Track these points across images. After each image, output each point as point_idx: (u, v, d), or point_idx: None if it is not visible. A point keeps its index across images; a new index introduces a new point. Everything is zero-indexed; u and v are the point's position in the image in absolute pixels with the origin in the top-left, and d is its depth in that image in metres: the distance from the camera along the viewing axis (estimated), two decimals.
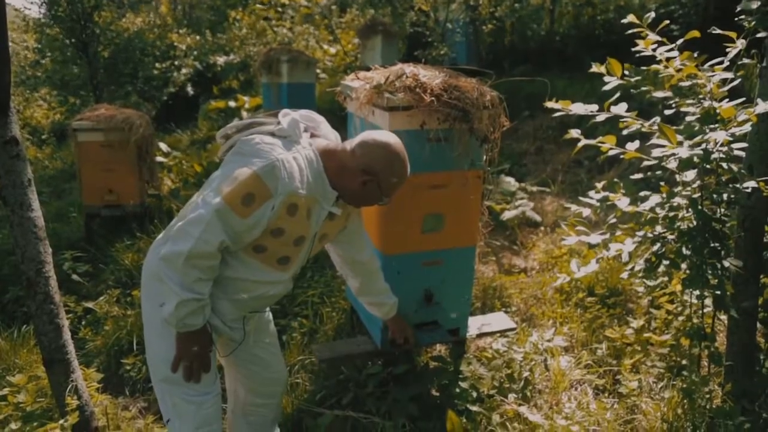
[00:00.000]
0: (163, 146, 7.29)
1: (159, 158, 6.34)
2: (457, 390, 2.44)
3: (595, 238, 2.26)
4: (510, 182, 5.32)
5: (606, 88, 2.24)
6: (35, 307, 2.17)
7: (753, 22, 2.11)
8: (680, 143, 2.06)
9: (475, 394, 2.45)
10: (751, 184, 1.98)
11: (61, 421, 2.11)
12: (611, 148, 2.24)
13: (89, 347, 3.27)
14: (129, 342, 3.20)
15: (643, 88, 2.25)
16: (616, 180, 2.36)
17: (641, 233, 2.29)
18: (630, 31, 2.29)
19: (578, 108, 2.25)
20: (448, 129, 2.27)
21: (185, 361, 1.73)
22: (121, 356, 3.13)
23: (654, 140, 2.13)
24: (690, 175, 2.23)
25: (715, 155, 2.07)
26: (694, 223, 2.16)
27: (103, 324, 3.43)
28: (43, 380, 2.55)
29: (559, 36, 9.57)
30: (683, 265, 2.23)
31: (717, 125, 2.06)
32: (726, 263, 2.12)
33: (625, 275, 2.43)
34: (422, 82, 2.25)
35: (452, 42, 8.58)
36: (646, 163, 2.30)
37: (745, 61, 2.23)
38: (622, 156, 2.24)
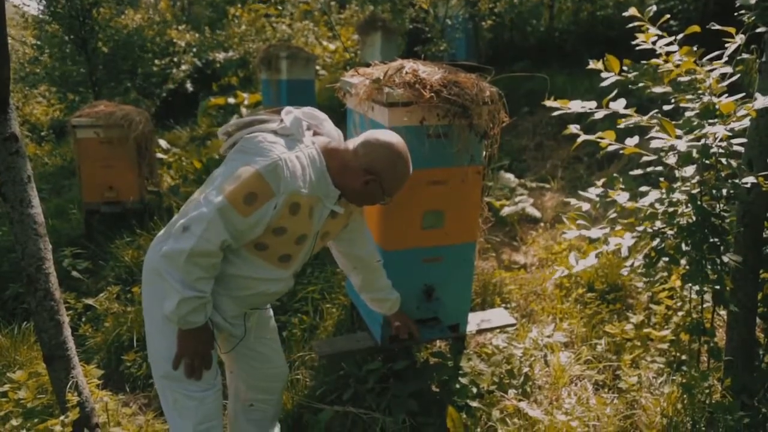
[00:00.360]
0: (162, 143, 7.29)
1: (158, 155, 6.34)
2: (457, 386, 2.45)
3: (595, 232, 2.27)
4: (509, 178, 5.32)
5: (604, 84, 2.25)
6: (35, 303, 2.17)
7: (752, 18, 2.10)
8: (679, 137, 2.06)
9: (475, 390, 2.46)
10: (750, 179, 1.98)
11: (61, 418, 2.11)
12: (610, 144, 2.24)
13: (89, 344, 3.28)
14: (129, 338, 3.20)
15: (642, 84, 2.26)
16: (615, 175, 2.36)
17: (641, 228, 2.29)
18: (630, 25, 2.29)
19: (576, 105, 2.26)
20: (447, 125, 2.27)
21: (186, 358, 1.74)
22: (122, 353, 3.14)
23: (653, 133, 2.13)
24: (689, 170, 2.23)
25: (714, 150, 2.07)
26: (694, 218, 2.16)
27: (103, 321, 3.43)
28: (43, 377, 2.55)
29: (559, 32, 9.55)
30: (682, 261, 2.23)
31: (716, 120, 2.06)
32: (725, 258, 2.12)
33: (624, 272, 2.43)
34: (422, 78, 2.24)
35: (452, 38, 8.55)
36: (645, 158, 2.31)
37: (745, 56, 2.23)
38: (621, 152, 2.24)
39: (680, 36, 2.20)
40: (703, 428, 2.11)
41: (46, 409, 2.37)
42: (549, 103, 2.30)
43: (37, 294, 2.15)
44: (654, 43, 2.21)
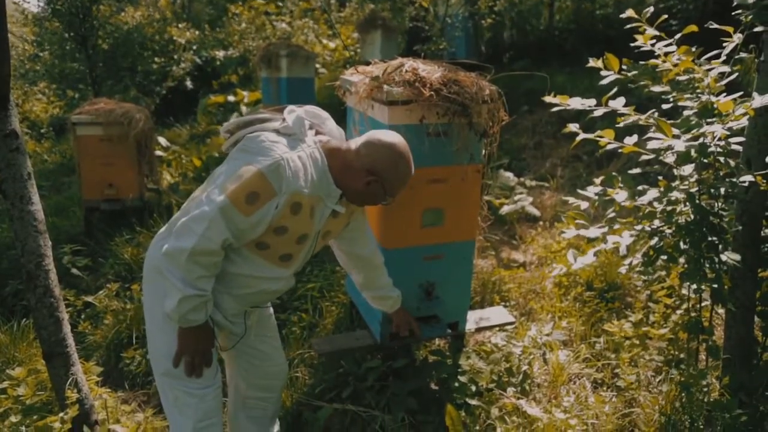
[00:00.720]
0: (162, 140, 7.28)
1: (158, 152, 6.34)
2: (456, 384, 2.45)
3: (593, 231, 2.27)
4: (509, 177, 5.33)
5: (603, 82, 2.25)
6: (35, 300, 2.17)
7: (750, 17, 2.11)
8: (676, 136, 2.07)
9: (473, 388, 2.46)
10: (748, 177, 1.98)
11: (61, 414, 2.12)
12: (609, 143, 2.24)
13: (88, 341, 3.28)
14: (128, 336, 3.20)
15: (641, 83, 2.26)
16: (614, 174, 2.37)
17: (639, 227, 2.29)
18: (629, 26, 2.29)
19: (576, 103, 2.26)
20: (447, 123, 2.27)
21: (187, 356, 1.74)
22: (121, 350, 3.14)
23: (651, 134, 2.13)
24: (688, 169, 2.23)
25: (712, 149, 2.08)
26: (692, 217, 2.17)
27: (102, 318, 3.43)
28: (42, 374, 2.56)
29: (558, 31, 9.55)
30: (681, 260, 2.23)
31: (714, 119, 2.06)
32: (724, 257, 2.12)
33: (623, 270, 2.44)
34: (421, 77, 2.24)
35: (451, 37, 8.56)
36: (644, 157, 2.31)
37: (743, 55, 2.24)
38: (620, 150, 2.24)
39: (678, 36, 2.20)
40: (701, 426, 2.11)
41: (45, 405, 2.37)
42: (549, 99, 2.29)
43: (37, 291, 2.16)
44: (653, 44, 2.21)
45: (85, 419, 2.28)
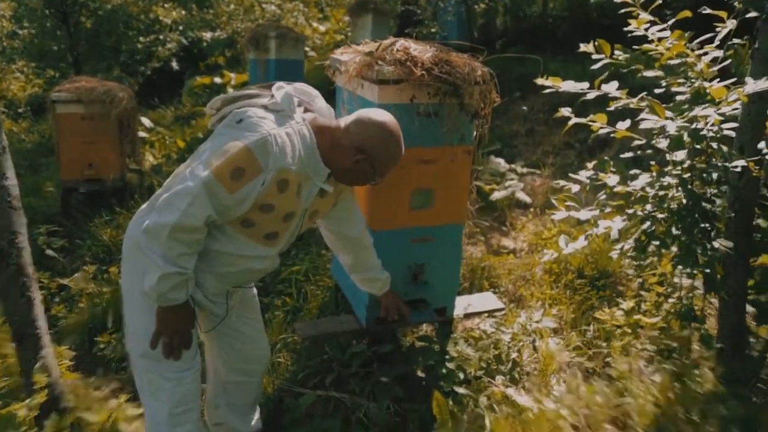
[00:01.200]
0: (146, 121, 7.13)
1: (141, 133, 6.20)
2: (444, 371, 2.41)
3: (584, 214, 2.23)
4: (500, 163, 5.27)
5: (595, 66, 2.21)
6: (6, 279, 2.07)
7: (743, 2, 2.06)
8: (670, 119, 2.02)
9: (461, 376, 2.42)
10: (741, 163, 1.95)
11: (27, 401, 2.01)
12: (602, 127, 2.20)
13: (61, 325, 3.17)
14: (104, 320, 3.10)
15: (633, 67, 2.22)
16: (606, 158, 2.32)
17: (631, 211, 2.25)
18: (622, 11, 2.24)
19: (568, 85, 2.23)
20: (438, 104, 2.22)
21: (165, 336, 1.68)
22: (95, 334, 3.04)
23: (643, 115, 2.09)
24: (680, 154, 2.20)
25: (704, 133, 2.03)
26: (684, 202, 2.13)
27: (77, 301, 3.33)
28: (10, 358, 2.45)
29: (552, 18, 9.48)
30: (674, 248, 2.19)
31: (707, 105, 2.02)
32: (716, 244, 2.08)
33: (614, 254, 2.39)
34: (413, 56, 2.21)
35: (444, 21, 8.47)
36: (636, 142, 2.27)
37: (735, 41, 2.20)
38: (612, 135, 2.20)
39: (672, 21, 2.16)
40: (695, 417, 2.08)
41: (12, 392, 2.27)
42: (541, 81, 2.26)
43: (9, 269, 2.06)
44: (646, 29, 2.17)
45: (54, 406, 2.18)
